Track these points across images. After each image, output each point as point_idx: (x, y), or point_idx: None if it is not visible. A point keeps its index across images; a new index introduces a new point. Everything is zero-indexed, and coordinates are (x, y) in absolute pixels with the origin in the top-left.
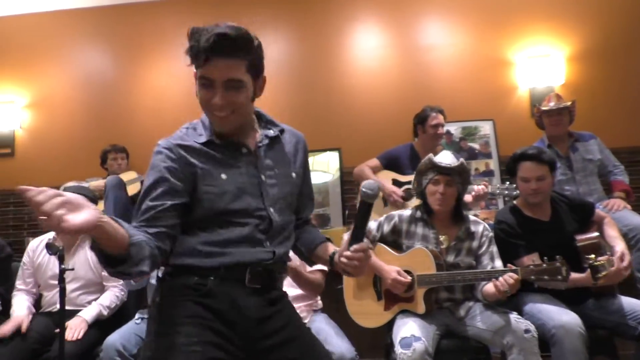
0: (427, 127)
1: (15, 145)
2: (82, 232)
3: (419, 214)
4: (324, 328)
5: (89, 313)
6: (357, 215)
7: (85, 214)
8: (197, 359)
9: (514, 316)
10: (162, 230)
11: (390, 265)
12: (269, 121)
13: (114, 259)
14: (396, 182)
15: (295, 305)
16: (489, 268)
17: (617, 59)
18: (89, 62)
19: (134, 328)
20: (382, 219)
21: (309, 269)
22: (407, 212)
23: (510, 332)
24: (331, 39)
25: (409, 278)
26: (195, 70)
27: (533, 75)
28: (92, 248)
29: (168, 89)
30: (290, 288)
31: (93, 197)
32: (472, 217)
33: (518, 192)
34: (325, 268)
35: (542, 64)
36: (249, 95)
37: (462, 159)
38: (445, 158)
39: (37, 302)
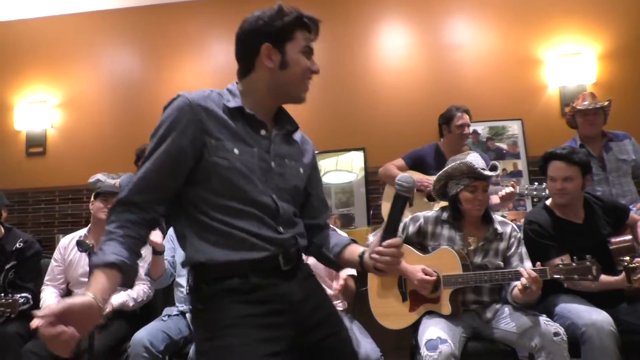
0: (452, 127)
1: (47, 144)
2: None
3: (445, 216)
4: (349, 329)
5: (115, 298)
6: (391, 209)
7: (85, 320)
8: (256, 355)
9: (543, 319)
10: (159, 212)
11: (415, 265)
12: (289, 117)
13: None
14: None
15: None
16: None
17: None
18: (117, 63)
19: (161, 325)
20: (407, 220)
21: (340, 274)
22: (432, 214)
23: (539, 334)
24: (357, 38)
25: (434, 275)
26: (286, 43)
27: (563, 74)
28: None
29: (194, 88)
30: None
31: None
32: (499, 218)
33: (547, 192)
34: (354, 272)
35: (573, 62)
36: None
37: (494, 162)
38: (479, 162)
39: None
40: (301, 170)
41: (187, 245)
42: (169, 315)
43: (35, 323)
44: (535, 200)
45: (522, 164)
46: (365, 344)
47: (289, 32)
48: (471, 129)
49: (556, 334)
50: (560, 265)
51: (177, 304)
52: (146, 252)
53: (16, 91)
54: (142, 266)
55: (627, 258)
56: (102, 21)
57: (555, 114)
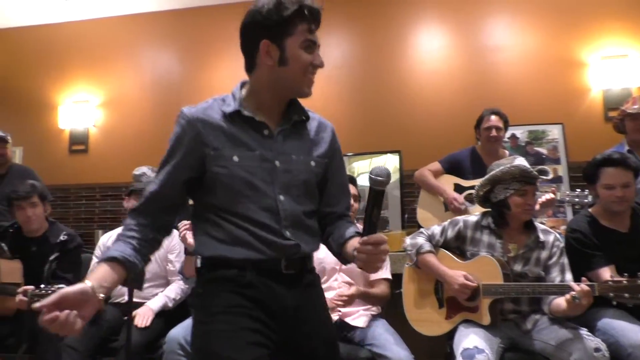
0: (481, 129)
1: (89, 142)
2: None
3: (485, 221)
4: (382, 334)
5: (155, 303)
6: (367, 204)
7: (83, 305)
8: (239, 344)
9: (584, 332)
10: (169, 219)
11: (455, 270)
12: (300, 108)
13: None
14: (458, 187)
15: (354, 309)
16: (558, 280)
17: None
18: (157, 63)
19: None
20: (446, 223)
21: (372, 277)
22: (472, 218)
23: (579, 349)
24: (394, 39)
25: (475, 282)
26: (285, 38)
27: (607, 77)
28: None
29: (231, 89)
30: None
31: None
32: (542, 226)
33: (590, 199)
34: (388, 276)
35: (618, 65)
36: None
37: (544, 167)
38: (525, 164)
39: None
40: (312, 163)
41: (197, 241)
42: None
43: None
44: (576, 207)
45: (562, 170)
46: (398, 350)
47: (289, 26)
48: (509, 132)
49: (597, 349)
50: (610, 283)
51: None
52: (180, 250)
53: (61, 91)
54: (177, 262)
55: None
56: (143, 23)
57: (598, 118)
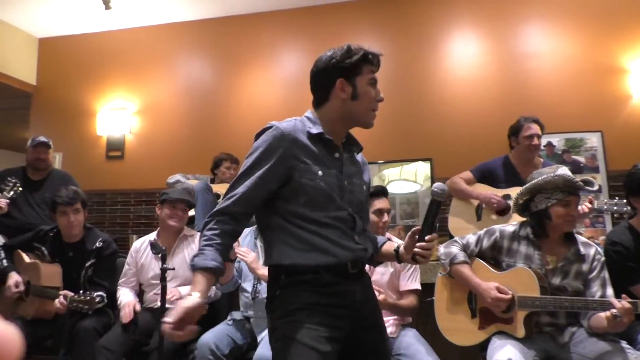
0: (520, 138)
1: (125, 149)
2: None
3: (524, 232)
4: (413, 344)
5: (184, 290)
6: (428, 211)
7: (196, 316)
8: (318, 336)
9: (624, 345)
10: (245, 225)
11: (489, 282)
12: (356, 141)
13: None
14: None
15: (385, 318)
16: (598, 295)
17: None
18: (191, 72)
19: (227, 329)
20: (481, 232)
21: (402, 288)
22: (509, 228)
23: None
24: (427, 46)
25: (510, 294)
26: (356, 77)
27: None
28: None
29: (263, 97)
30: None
31: (193, 201)
32: (582, 239)
33: (628, 208)
34: (418, 287)
35: None
36: None
37: (589, 178)
38: (569, 174)
39: (139, 299)
40: (364, 187)
41: (275, 250)
42: (234, 320)
43: (166, 328)
44: (615, 216)
45: (601, 179)
46: (428, 359)
47: (358, 67)
48: (545, 140)
49: None
50: None
51: (241, 309)
52: None
53: (99, 98)
54: None
55: None
56: (178, 32)
57: (639, 126)
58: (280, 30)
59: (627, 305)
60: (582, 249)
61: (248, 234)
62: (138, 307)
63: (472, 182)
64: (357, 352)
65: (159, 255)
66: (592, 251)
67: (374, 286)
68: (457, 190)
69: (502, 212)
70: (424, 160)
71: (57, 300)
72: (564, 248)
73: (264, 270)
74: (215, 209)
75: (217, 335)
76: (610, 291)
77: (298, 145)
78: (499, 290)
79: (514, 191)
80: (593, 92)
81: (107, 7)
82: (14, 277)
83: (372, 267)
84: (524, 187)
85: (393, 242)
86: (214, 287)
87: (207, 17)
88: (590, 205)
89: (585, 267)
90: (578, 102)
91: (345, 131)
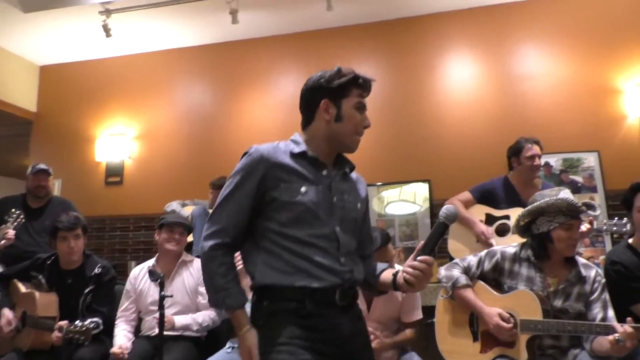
0: (522, 158)
1: (124, 174)
2: None
3: (525, 254)
4: None
5: (179, 319)
6: (432, 231)
7: None
8: None
9: None
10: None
11: (492, 308)
12: (348, 161)
13: None
14: (490, 217)
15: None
16: (599, 317)
17: None
18: (190, 97)
19: (225, 357)
20: (482, 254)
21: (406, 320)
22: (510, 250)
23: None
24: (423, 68)
25: (512, 323)
26: (342, 99)
27: None
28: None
29: (261, 121)
30: None
31: (191, 226)
32: (583, 261)
33: (628, 228)
34: (420, 316)
35: None
36: None
37: (591, 201)
38: (572, 198)
39: (137, 326)
40: (358, 204)
41: (257, 271)
42: (233, 347)
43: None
44: (615, 236)
45: (599, 198)
46: None
47: (346, 89)
48: (543, 160)
49: None
50: None
51: None
52: None
53: (98, 124)
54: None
55: None
56: (177, 58)
57: (635, 146)
58: (277, 55)
59: (630, 329)
60: (583, 270)
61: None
62: (127, 350)
63: (471, 203)
64: None
65: (157, 282)
66: (592, 273)
67: (369, 327)
68: None
69: (502, 232)
70: (422, 181)
71: (54, 333)
72: (565, 270)
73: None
74: (214, 242)
75: None
76: (611, 313)
77: (278, 165)
78: (501, 317)
79: (514, 212)
80: (589, 112)
81: (108, 34)
82: (5, 316)
83: (372, 300)
84: (525, 209)
85: (393, 269)
86: (213, 315)
87: (206, 43)
88: (590, 226)
89: (586, 288)
90: (574, 122)
91: (331, 154)
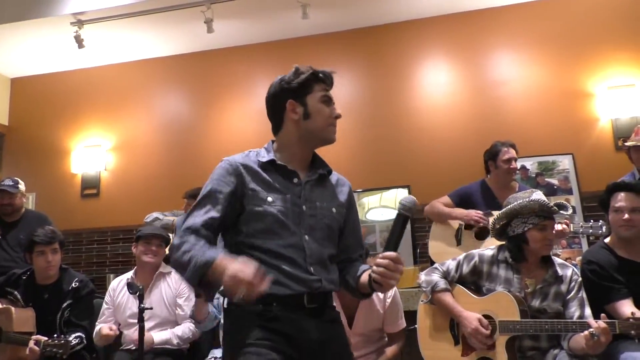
0: (498, 162)
1: (101, 186)
2: None
3: (502, 256)
4: None
5: (159, 336)
6: (392, 226)
7: None
8: None
9: None
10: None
11: (471, 313)
12: (323, 163)
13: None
14: None
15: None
16: (576, 315)
17: None
18: (167, 107)
19: None
20: (460, 258)
21: (389, 330)
22: (488, 252)
23: None
24: (400, 75)
25: (490, 329)
26: (306, 96)
27: (615, 106)
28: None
29: (239, 130)
30: None
31: (168, 237)
32: (559, 260)
33: (604, 230)
34: (403, 324)
35: (626, 94)
36: None
37: (564, 201)
38: (544, 199)
39: (117, 339)
40: (334, 210)
41: None
42: (215, 358)
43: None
44: (591, 238)
45: (574, 200)
46: None
47: (307, 86)
48: (519, 164)
49: None
50: (632, 320)
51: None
52: (189, 294)
53: (73, 136)
54: (187, 306)
55: None
56: (152, 68)
57: (608, 148)
58: (254, 63)
59: (603, 325)
60: (559, 270)
61: None
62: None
63: (450, 207)
64: None
65: (136, 294)
66: (569, 272)
67: (351, 341)
68: (436, 214)
69: (482, 235)
70: (402, 187)
71: (29, 346)
72: (542, 270)
73: None
74: (190, 227)
75: None
76: (588, 311)
77: (248, 172)
78: (481, 323)
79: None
80: (562, 116)
81: (80, 45)
82: None
83: (354, 315)
84: (500, 211)
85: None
86: (192, 327)
87: (181, 53)
88: (566, 227)
89: (563, 287)
90: (548, 126)
91: (308, 153)
